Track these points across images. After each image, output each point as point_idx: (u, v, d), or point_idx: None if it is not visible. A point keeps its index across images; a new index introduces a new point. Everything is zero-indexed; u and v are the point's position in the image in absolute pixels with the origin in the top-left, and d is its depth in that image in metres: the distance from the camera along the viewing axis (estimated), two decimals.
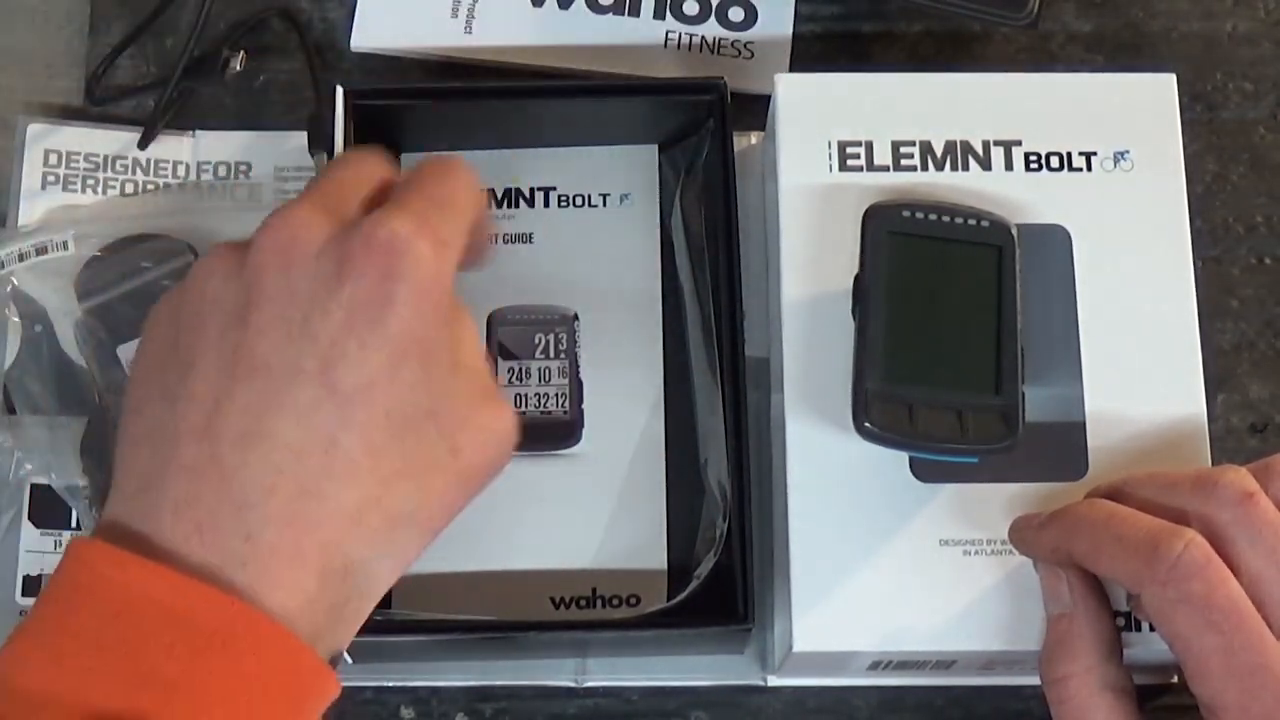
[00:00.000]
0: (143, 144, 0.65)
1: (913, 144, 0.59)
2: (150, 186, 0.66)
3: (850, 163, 0.58)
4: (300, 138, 0.64)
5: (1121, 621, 0.53)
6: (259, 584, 0.42)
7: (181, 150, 0.66)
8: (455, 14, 0.67)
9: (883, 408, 0.53)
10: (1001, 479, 0.55)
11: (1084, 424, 0.56)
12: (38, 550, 0.61)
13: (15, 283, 0.62)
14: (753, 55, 0.67)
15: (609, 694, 0.60)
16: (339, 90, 0.60)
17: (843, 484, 0.55)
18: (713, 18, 0.68)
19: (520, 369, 0.61)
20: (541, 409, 0.61)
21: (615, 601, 0.59)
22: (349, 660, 0.51)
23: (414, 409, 0.45)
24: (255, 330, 0.44)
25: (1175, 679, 0.56)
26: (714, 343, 0.59)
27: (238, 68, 0.65)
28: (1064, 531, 0.52)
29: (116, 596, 0.42)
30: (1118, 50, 0.68)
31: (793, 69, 0.67)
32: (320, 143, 0.62)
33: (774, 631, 0.58)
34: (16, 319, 0.63)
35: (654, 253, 0.63)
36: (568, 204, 0.63)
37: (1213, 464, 0.56)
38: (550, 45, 0.67)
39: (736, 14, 0.68)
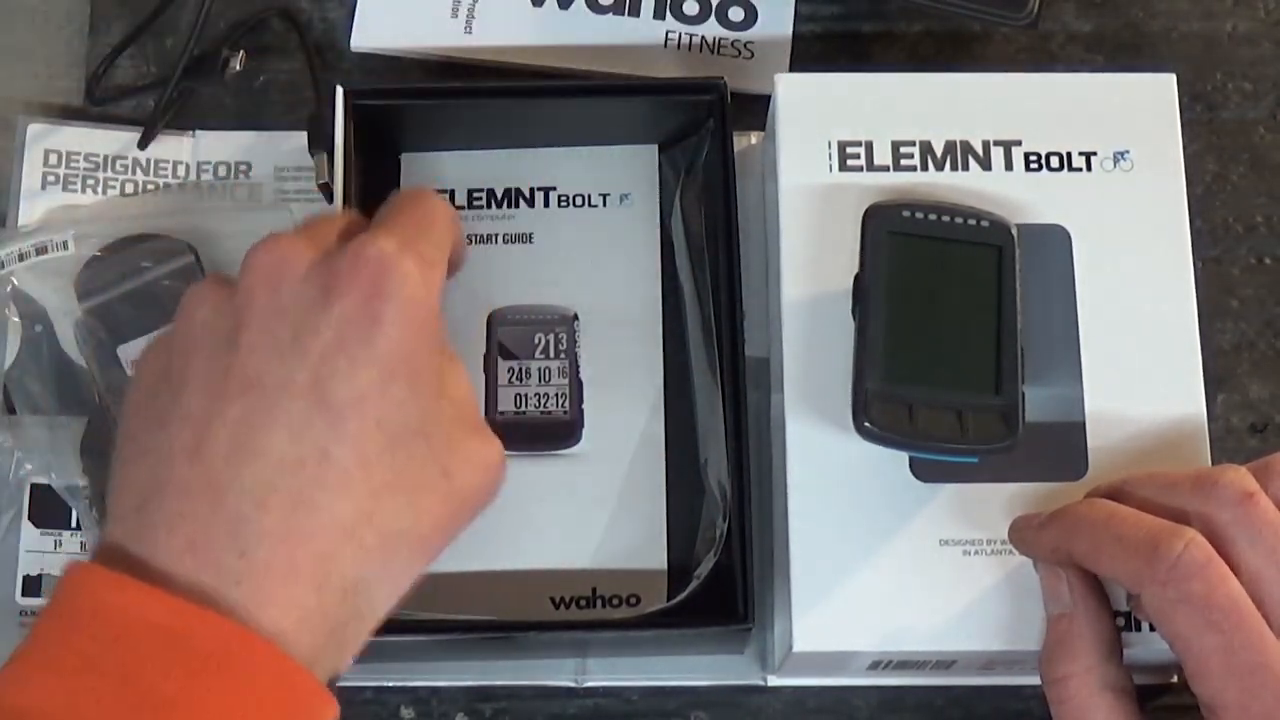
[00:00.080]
0: (143, 144, 0.65)
1: (913, 144, 0.59)
2: (150, 186, 0.66)
3: (850, 163, 0.58)
4: (300, 138, 0.64)
5: (1121, 621, 0.53)
6: (253, 601, 0.43)
7: (181, 150, 0.66)
8: (455, 14, 0.67)
9: (883, 408, 0.53)
10: (1001, 479, 0.55)
11: (1084, 424, 0.56)
12: (38, 550, 0.61)
13: (15, 283, 0.62)
14: (753, 55, 0.67)
15: (609, 694, 0.60)
16: (339, 90, 0.60)
17: (843, 484, 0.55)
18: (713, 18, 0.67)
19: (520, 369, 0.61)
20: (541, 409, 0.61)
21: (615, 601, 0.59)
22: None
23: (403, 426, 0.45)
24: (246, 349, 0.45)
25: (1175, 679, 0.56)
26: (714, 343, 0.59)
27: (238, 68, 0.65)
28: (1064, 531, 0.52)
29: (114, 620, 0.42)
30: (1118, 50, 0.68)
31: (793, 69, 0.67)
32: (320, 143, 0.62)
33: (774, 631, 0.58)
34: (16, 319, 0.63)
35: (654, 253, 0.63)
36: (568, 204, 0.63)
37: (1213, 464, 0.56)
38: (550, 45, 0.67)
39: (736, 14, 0.68)
